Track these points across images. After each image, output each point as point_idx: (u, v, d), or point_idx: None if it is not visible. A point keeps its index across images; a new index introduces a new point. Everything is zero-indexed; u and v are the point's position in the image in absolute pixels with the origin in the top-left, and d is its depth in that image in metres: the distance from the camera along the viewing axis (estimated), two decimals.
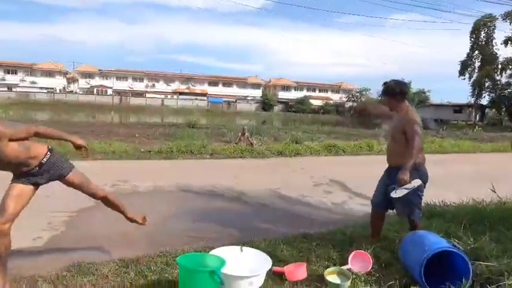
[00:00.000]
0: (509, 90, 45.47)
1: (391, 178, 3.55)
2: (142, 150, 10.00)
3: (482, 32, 46.49)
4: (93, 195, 3.22)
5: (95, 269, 3.10)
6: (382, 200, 3.70)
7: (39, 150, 2.81)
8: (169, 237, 4.03)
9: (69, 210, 4.81)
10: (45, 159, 2.82)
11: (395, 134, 3.60)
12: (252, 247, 3.37)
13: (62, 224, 4.38)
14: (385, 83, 3.67)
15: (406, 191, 3.29)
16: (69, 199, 5.24)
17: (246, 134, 12.44)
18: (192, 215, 4.94)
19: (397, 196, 3.31)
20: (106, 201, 3.35)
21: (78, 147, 3.04)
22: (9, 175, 2.83)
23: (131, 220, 3.47)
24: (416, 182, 3.34)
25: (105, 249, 3.65)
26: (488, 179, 5.22)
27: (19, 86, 57.76)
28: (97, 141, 10.56)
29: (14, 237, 2.75)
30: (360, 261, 3.26)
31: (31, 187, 2.81)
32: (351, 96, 65.01)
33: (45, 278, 2.92)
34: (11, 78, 59.13)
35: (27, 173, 2.78)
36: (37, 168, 2.79)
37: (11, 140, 2.55)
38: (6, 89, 55.80)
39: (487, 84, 47.66)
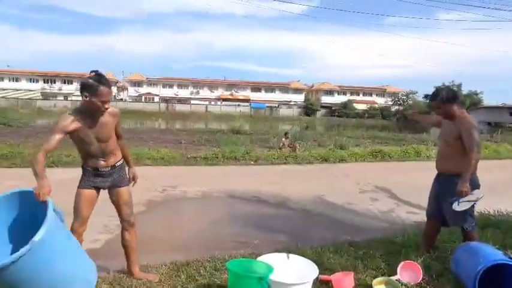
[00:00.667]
0: None
1: (441, 184, 3.45)
2: (188, 156, 10.31)
3: None
4: (126, 220, 3.18)
5: (148, 272, 3.26)
6: (436, 210, 3.56)
7: (119, 153, 3.07)
8: (218, 242, 4.16)
9: None
10: (119, 163, 3.04)
11: (448, 138, 3.41)
12: (298, 254, 3.40)
13: (117, 227, 4.61)
14: (436, 89, 3.53)
15: (469, 204, 3.17)
16: None
17: (289, 137, 12.46)
18: (239, 221, 5.05)
19: (461, 209, 3.18)
20: (129, 233, 3.23)
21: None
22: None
23: (133, 274, 3.21)
24: (479, 194, 3.20)
25: (158, 252, 3.83)
26: None
27: (74, 95, 61.27)
28: (146, 148, 11.02)
29: None
30: (409, 272, 3.20)
31: (95, 192, 3.01)
32: (396, 99, 63.09)
33: (103, 279, 3.11)
34: (67, 88, 62.90)
35: (98, 172, 2.96)
36: (109, 168, 2.98)
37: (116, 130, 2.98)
38: (63, 98, 59.46)
39: None
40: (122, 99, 66.71)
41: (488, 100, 60.14)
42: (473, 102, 57.59)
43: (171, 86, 68.44)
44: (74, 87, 63.07)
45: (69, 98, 59.49)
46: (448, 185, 3.29)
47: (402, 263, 3.24)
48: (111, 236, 4.36)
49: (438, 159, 3.57)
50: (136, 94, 66.88)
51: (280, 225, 4.98)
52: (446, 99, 3.34)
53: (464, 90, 58.33)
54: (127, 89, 69.27)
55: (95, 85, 2.69)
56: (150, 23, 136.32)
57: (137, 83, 68.31)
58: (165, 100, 63.21)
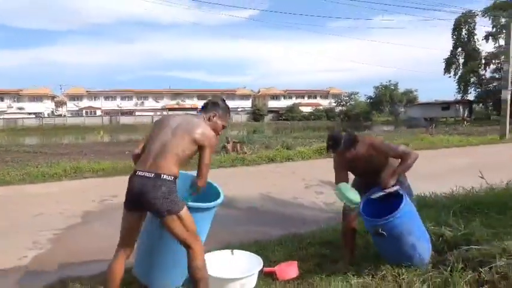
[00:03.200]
0: (494, 84, 46.11)
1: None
2: (133, 165, 9.87)
3: (463, 29, 47.35)
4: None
5: (80, 285, 3.01)
6: None
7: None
8: None
9: (56, 228, 4.72)
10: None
11: (370, 165, 3.19)
12: (243, 250, 3.31)
13: (47, 242, 4.28)
14: (332, 138, 3.13)
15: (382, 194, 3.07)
16: (57, 218, 5.20)
17: (231, 142, 12.42)
18: None
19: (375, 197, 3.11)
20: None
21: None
22: None
23: None
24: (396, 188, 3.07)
25: (91, 263, 3.56)
26: (478, 169, 5.21)
27: (6, 113, 57.24)
28: (86, 161, 10.44)
29: None
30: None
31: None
32: (339, 100, 65.45)
33: None
34: None
35: None
36: None
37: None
38: None
39: (472, 80, 48.41)
40: (60, 115, 63.29)
41: (423, 97, 64.13)
42: (409, 100, 61.08)
43: (113, 98, 66.01)
44: (5, 105, 58.98)
45: (0, 116, 55.47)
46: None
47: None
48: (41, 251, 4.01)
49: (371, 184, 3.20)
50: (77, 108, 63.76)
51: (225, 224, 4.81)
52: (346, 147, 3.07)
53: (401, 88, 61.80)
54: (66, 103, 65.88)
55: (227, 109, 2.80)
56: (92, 34, 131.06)
57: (77, 97, 65.17)
58: (108, 113, 60.83)
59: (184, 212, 2.46)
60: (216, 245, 3.63)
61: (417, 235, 2.95)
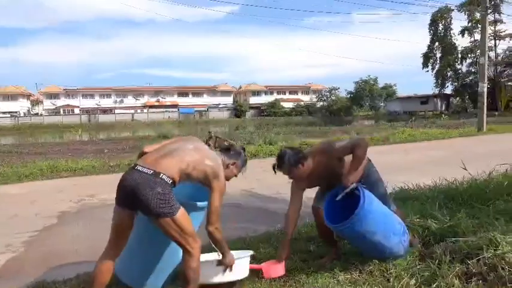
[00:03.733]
0: (470, 78, 47.14)
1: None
2: (111, 164, 9.65)
3: (440, 24, 48.15)
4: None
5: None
6: None
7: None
8: None
9: (31, 230, 4.51)
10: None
11: (331, 173, 3.04)
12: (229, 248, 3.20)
13: (22, 244, 4.08)
14: (278, 157, 3.03)
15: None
16: (33, 219, 4.98)
17: (213, 137, 12.26)
18: None
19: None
20: None
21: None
22: None
23: None
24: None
25: (68, 267, 3.39)
26: (458, 160, 5.23)
27: None
28: (63, 160, 10.12)
29: None
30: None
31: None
32: (321, 96, 65.83)
33: None
34: None
35: None
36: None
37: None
38: None
39: (449, 74, 49.35)
40: (37, 114, 61.62)
41: (402, 91, 65.03)
42: (388, 94, 61.86)
43: (92, 96, 64.66)
44: None
45: None
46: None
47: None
48: (14, 254, 3.80)
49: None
50: (53, 107, 62.17)
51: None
52: (291, 165, 2.93)
53: (381, 83, 62.49)
54: (42, 102, 64.17)
55: (245, 162, 2.83)
56: (66, 31, 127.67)
57: (54, 95, 63.54)
58: (87, 111, 59.55)
59: (179, 214, 2.34)
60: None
61: (383, 233, 2.84)
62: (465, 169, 4.88)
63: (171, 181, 2.34)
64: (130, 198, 2.30)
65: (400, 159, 9.26)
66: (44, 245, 4.11)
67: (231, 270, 2.68)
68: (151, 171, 2.30)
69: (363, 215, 2.75)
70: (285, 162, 2.92)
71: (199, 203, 2.73)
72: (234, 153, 2.77)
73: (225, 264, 2.65)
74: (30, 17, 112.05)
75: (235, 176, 2.80)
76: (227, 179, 2.67)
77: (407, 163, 8.61)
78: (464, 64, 48.18)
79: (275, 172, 3.04)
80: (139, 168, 2.35)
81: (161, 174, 2.30)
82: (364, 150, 2.95)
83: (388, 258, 2.89)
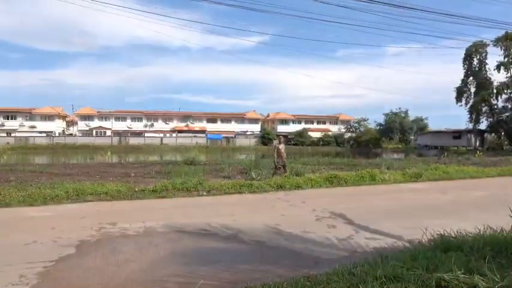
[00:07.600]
0: (506, 114, 45.49)
1: None
2: (136, 189, 9.59)
3: (475, 58, 47.13)
4: None
5: None
6: None
7: None
8: (157, 285, 3.58)
9: (47, 259, 4.37)
10: None
11: None
12: None
13: (35, 276, 3.92)
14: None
15: None
16: (50, 247, 4.85)
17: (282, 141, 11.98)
18: (182, 258, 4.49)
19: None
20: None
21: None
22: None
23: None
24: None
25: None
26: (501, 203, 4.79)
27: (18, 131, 57.86)
28: (90, 183, 10.15)
29: None
30: None
31: None
32: (349, 126, 65.09)
33: None
34: (10, 124, 59.39)
35: None
36: None
37: None
38: (5, 134, 55.93)
39: (484, 109, 47.80)
40: (71, 134, 63.85)
41: (434, 125, 63.48)
42: (419, 127, 60.47)
43: (124, 119, 66.59)
44: (17, 123, 59.71)
45: (12, 134, 56.08)
46: None
47: None
48: (26, 287, 3.64)
49: None
50: (87, 128, 64.31)
51: (229, 261, 4.46)
52: None
53: (411, 116, 61.32)
54: (77, 123, 66.56)
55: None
56: (104, 56, 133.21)
57: (88, 117, 65.89)
58: (118, 133, 61.18)
59: None
60: (217, 284, 3.27)
61: None
62: None
63: None
64: None
65: (436, 199, 8.71)
66: (56, 278, 3.92)
67: None
68: None
69: None
70: None
71: None
72: None
73: None
74: (71, 42, 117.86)
75: None
76: None
77: (444, 205, 8.08)
78: (500, 100, 46.64)
79: None
80: None
81: None
82: None
83: None
